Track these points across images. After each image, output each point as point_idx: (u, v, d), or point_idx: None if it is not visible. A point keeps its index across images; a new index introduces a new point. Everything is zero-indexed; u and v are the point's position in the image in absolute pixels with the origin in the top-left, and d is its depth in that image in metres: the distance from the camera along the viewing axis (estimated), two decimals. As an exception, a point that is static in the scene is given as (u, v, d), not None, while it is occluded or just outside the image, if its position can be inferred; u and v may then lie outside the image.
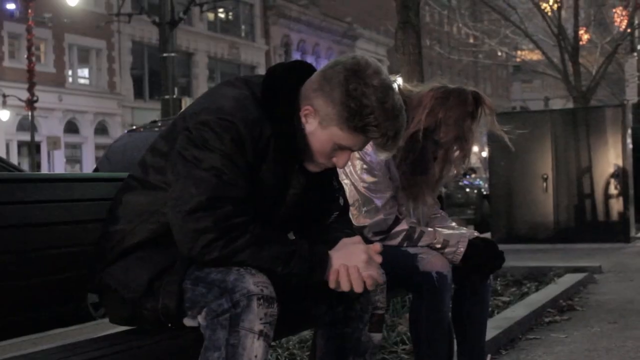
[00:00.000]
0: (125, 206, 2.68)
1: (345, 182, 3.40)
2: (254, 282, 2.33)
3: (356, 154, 3.31)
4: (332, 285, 2.45)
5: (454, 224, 3.74)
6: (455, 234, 3.48)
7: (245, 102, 2.55)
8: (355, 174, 3.43)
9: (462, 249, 3.41)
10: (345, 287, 2.44)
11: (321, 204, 2.83)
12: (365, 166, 3.41)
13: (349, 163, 3.39)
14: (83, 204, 3.20)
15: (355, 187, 3.42)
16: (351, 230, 2.84)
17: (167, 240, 2.50)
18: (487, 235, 12.14)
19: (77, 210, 3.14)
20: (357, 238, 2.60)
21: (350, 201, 3.36)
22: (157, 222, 2.58)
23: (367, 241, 2.76)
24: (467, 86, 3.69)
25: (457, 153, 3.51)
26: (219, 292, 2.36)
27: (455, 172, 3.65)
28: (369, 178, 3.41)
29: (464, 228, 3.76)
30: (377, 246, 2.55)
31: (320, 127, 2.54)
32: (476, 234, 3.61)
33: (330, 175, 2.85)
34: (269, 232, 2.49)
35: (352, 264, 2.44)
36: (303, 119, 2.57)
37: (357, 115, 2.47)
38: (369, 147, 3.38)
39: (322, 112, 2.52)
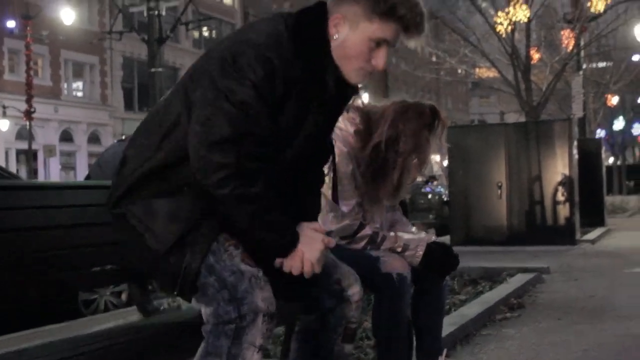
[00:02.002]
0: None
1: None
2: (262, 298, 2.29)
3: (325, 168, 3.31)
4: (286, 267, 2.41)
5: (414, 229, 3.75)
6: (415, 238, 3.49)
7: (281, 39, 2.41)
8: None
9: (421, 252, 3.42)
10: (296, 271, 2.40)
11: (320, 156, 2.76)
12: (331, 175, 3.40)
13: None
14: (74, 209, 3.19)
15: (324, 194, 3.41)
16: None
17: (195, 194, 2.37)
18: (447, 237, 12.23)
19: (68, 215, 3.13)
20: (318, 225, 2.54)
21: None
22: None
23: None
24: (425, 101, 3.70)
25: (415, 161, 3.52)
26: (229, 296, 2.29)
27: (413, 178, 3.66)
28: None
29: (423, 232, 3.78)
30: (332, 241, 2.52)
31: (351, 30, 2.42)
32: (434, 238, 3.63)
33: (331, 127, 2.78)
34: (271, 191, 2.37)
35: (310, 252, 2.40)
36: (334, 30, 2.44)
37: (381, 0, 2.39)
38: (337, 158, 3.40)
39: (349, 14, 2.42)
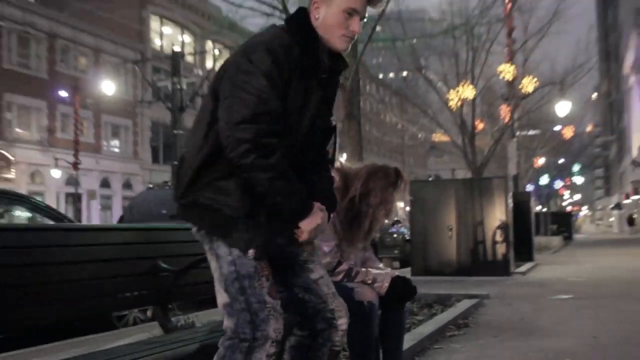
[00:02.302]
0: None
1: None
2: (274, 329, 2.35)
3: None
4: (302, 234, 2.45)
5: (381, 265, 3.77)
6: (382, 273, 3.52)
7: (281, 34, 2.47)
8: (309, 228, 3.45)
9: (386, 284, 3.46)
10: (304, 237, 2.45)
11: (324, 135, 2.69)
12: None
13: None
14: (111, 247, 3.21)
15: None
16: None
17: None
18: (408, 269, 12.21)
19: (106, 251, 3.15)
20: (319, 204, 2.50)
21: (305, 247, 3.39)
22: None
23: None
24: (390, 164, 3.76)
25: (382, 212, 3.56)
26: (249, 319, 2.34)
27: (380, 225, 3.70)
28: (319, 231, 3.44)
29: (389, 268, 3.80)
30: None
31: (328, 8, 2.46)
32: (397, 272, 3.65)
33: (331, 103, 2.72)
34: (285, 163, 2.38)
35: (309, 223, 2.42)
36: (315, 13, 2.49)
37: None
38: None
39: None
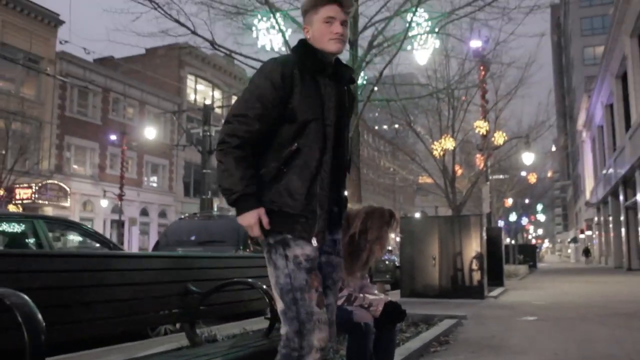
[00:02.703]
0: None
1: None
2: (318, 339, 2.28)
3: None
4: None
5: (376, 291, 3.72)
6: (376, 298, 3.48)
7: (286, 55, 2.52)
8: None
9: (380, 308, 3.41)
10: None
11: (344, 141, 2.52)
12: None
13: None
14: (148, 272, 3.17)
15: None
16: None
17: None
18: (398, 291, 12.08)
19: (144, 276, 3.11)
20: (259, 211, 2.32)
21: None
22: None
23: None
24: (384, 204, 3.74)
25: (377, 247, 3.52)
26: (297, 328, 2.29)
27: (376, 258, 3.65)
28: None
29: (382, 294, 3.74)
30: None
31: (312, 26, 2.46)
32: (389, 298, 3.60)
33: (349, 109, 2.60)
34: (245, 160, 2.30)
35: (245, 222, 2.31)
36: (307, 35, 2.49)
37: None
38: None
39: (307, 20, 2.48)
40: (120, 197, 32.98)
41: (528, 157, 22.81)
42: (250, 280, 3.45)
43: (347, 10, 2.49)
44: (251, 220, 2.30)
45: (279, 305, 2.36)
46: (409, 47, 8.68)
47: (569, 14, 69.30)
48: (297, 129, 2.35)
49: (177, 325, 7.09)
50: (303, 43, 2.51)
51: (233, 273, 3.89)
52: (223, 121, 2.42)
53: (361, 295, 3.46)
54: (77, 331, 2.62)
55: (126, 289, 2.95)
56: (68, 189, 33.05)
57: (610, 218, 35.07)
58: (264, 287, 3.34)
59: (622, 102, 27.22)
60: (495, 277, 14.51)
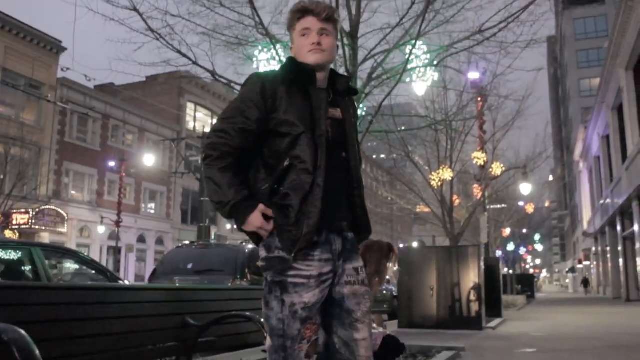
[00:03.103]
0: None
1: None
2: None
3: None
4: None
5: (374, 324, 3.70)
6: (376, 332, 3.46)
7: (271, 72, 2.43)
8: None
9: (379, 342, 3.40)
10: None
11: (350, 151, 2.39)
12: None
13: None
14: (144, 304, 3.15)
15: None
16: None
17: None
18: (395, 321, 11.99)
19: (140, 308, 3.09)
20: (263, 208, 2.24)
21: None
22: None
23: None
24: (383, 240, 3.75)
25: (376, 280, 3.52)
26: (281, 343, 2.21)
27: (375, 291, 3.64)
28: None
29: (381, 328, 3.72)
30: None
31: (294, 42, 2.43)
32: (388, 332, 3.58)
33: (349, 120, 2.44)
34: (229, 168, 2.24)
35: (248, 229, 2.24)
36: (293, 52, 2.44)
37: (288, 21, 2.45)
38: None
39: (291, 39, 2.47)
40: (118, 223, 32.90)
41: (526, 188, 22.89)
42: (248, 313, 3.43)
43: (324, 17, 2.42)
44: (256, 222, 2.21)
45: (267, 341, 2.27)
46: (407, 79, 8.77)
47: (565, 46, 70.20)
48: (287, 143, 2.26)
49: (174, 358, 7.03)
50: (288, 58, 2.47)
51: (231, 305, 3.87)
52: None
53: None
54: (74, 365, 2.60)
55: (124, 322, 2.93)
56: (65, 215, 32.97)
57: (608, 248, 35.01)
58: (262, 320, 3.32)
59: (619, 133, 27.41)
60: (494, 307, 14.41)
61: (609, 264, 35.23)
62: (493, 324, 12.73)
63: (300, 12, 2.42)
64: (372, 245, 3.54)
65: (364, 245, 3.50)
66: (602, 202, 34.52)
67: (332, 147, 2.30)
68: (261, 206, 2.22)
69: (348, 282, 2.33)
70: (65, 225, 33.05)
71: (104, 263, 33.53)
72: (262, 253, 2.30)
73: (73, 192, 35.31)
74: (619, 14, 22.61)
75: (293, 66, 2.39)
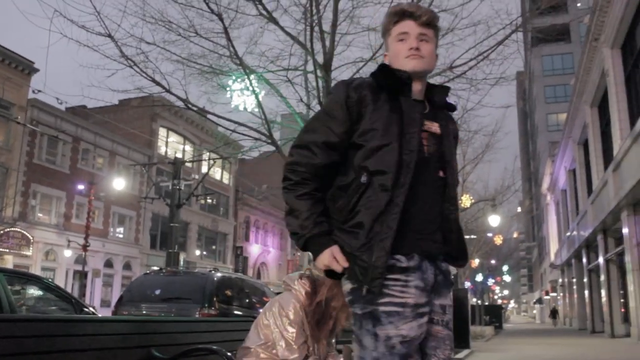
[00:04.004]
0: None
1: (274, 329, 3.38)
2: None
3: (284, 316, 3.32)
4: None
5: (341, 359, 3.71)
6: None
7: (360, 78, 2.19)
8: (282, 325, 3.41)
9: None
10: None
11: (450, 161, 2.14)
12: (288, 322, 3.40)
13: (279, 320, 3.38)
14: (109, 337, 3.11)
15: (281, 333, 3.39)
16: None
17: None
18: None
19: (105, 340, 3.05)
20: (333, 249, 2.03)
21: (277, 342, 3.34)
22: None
23: None
24: None
25: (343, 315, 3.53)
26: None
27: (342, 325, 3.65)
28: (290, 329, 3.40)
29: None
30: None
31: (388, 49, 2.23)
32: None
33: (446, 134, 2.18)
34: (309, 197, 2.03)
35: (321, 263, 2.05)
36: (386, 60, 2.21)
37: (384, 25, 2.26)
38: (291, 311, 3.40)
39: (385, 45, 2.27)
40: (85, 247, 32.27)
41: (494, 220, 23.22)
42: (214, 347, 3.41)
43: (423, 21, 2.19)
44: (325, 261, 2.01)
45: None
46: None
47: (533, 82, 72.03)
48: (369, 156, 2.02)
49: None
50: (380, 64, 2.23)
51: (197, 337, 3.84)
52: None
53: (326, 364, 3.46)
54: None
55: (89, 355, 2.89)
56: (31, 238, 32.30)
57: (574, 280, 35.52)
58: (228, 354, 3.30)
59: (584, 167, 28.08)
60: (462, 338, 14.45)
61: (575, 296, 35.72)
62: (461, 355, 12.75)
63: (397, 15, 2.21)
64: None
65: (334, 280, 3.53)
66: (568, 234, 35.13)
67: (426, 164, 2.06)
68: (335, 248, 2.01)
69: (430, 320, 2.04)
70: (31, 248, 32.36)
71: (69, 288, 32.81)
72: (347, 286, 2.07)
73: (40, 215, 34.64)
74: (584, 53, 23.35)
75: (386, 72, 2.15)
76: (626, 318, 21.31)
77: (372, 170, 1.99)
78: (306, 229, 2.01)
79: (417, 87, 2.16)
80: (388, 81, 2.11)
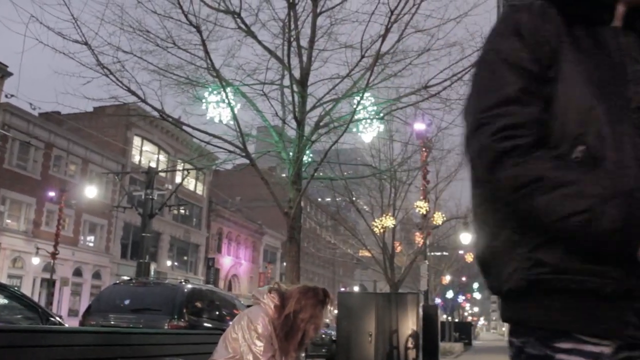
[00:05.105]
0: None
1: (242, 342, 3.40)
2: None
3: (252, 330, 3.34)
4: None
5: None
6: None
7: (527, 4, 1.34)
8: (250, 339, 3.42)
9: None
10: None
11: None
12: (256, 335, 3.42)
13: (248, 333, 3.40)
14: (76, 348, 3.09)
15: (249, 347, 3.41)
16: None
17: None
18: (333, 367, 11.96)
19: (72, 352, 3.03)
20: None
21: (245, 355, 3.36)
22: None
23: None
24: (319, 285, 3.82)
25: (311, 327, 3.57)
26: None
27: (311, 337, 3.68)
28: (259, 343, 3.41)
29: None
30: None
31: None
32: None
33: None
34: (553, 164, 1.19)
35: None
36: None
37: None
38: (259, 324, 3.41)
39: None
40: (54, 255, 31.69)
41: (466, 237, 23.46)
42: (181, 359, 3.41)
43: None
44: None
45: None
46: (354, 129, 9.01)
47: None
48: (567, 122, 1.24)
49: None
50: None
51: (165, 350, 3.83)
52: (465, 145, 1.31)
53: (294, 378, 3.48)
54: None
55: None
56: (-2, 244, 31.70)
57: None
58: (195, 366, 3.30)
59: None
60: (431, 354, 14.59)
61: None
62: (429, 371, 12.89)
63: None
64: (307, 291, 3.61)
65: (298, 292, 3.57)
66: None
67: None
68: None
69: None
70: (-3, 256, 31.74)
71: (36, 296, 32.16)
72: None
73: (8, 221, 33.97)
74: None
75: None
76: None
77: (591, 144, 1.23)
78: (609, 188, 1.14)
79: (621, 11, 1.35)
80: (581, 5, 1.33)
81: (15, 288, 9.36)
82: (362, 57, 8.58)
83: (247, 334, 3.42)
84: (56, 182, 35.83)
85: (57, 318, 8.75)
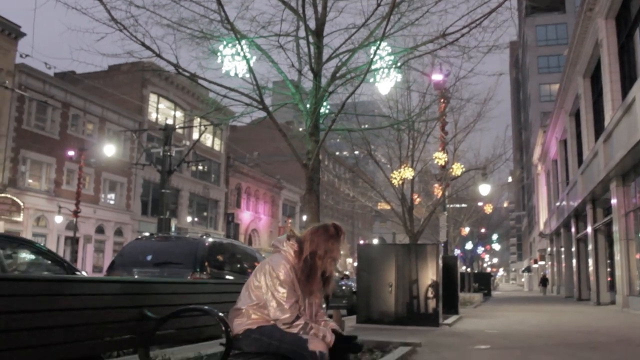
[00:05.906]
0: None
1: (265, 290, 3.47)
2: None
3: (275, 277, 3.40)
4: None
5: (327, 317, 3.79)
6: (326, 329, 3.55)
7: None
8: (273, 286, 3.48)
9: (333, 339, 3.49)
10: None
11: None
12: (279, 282, 3.47)
13: (270, 280, 3.45)
14: (104, 297, 3.17)
15: (272, 294, 3.46)
16: None
17: None
18: (354, 317, 12.13)
19: (100, 300, 3.11)
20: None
21: (269, 303, 3.42)
22: None
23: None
24: (328, 221, 3.86)
25: (328, 260, 3.62)
26: None
27: (330, 271, 3.71)
28: (281, 289, 3.47)
29: (331, 321, 3.79)
30: None
31: None
32: (336, 327, 3.68)
33: None
34: None
35: None
36: None
37: None
38: (281, 271, 3.46)
39: None
40: (76, 213, 32.27)
41: (485, 188, 23.35)
42: (206, 307, 3.47)
43: None
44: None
45: None
46: (371, 80, 8.88)
47: (526, 52, 71.66)
48: None
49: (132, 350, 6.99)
50: None
51: (189, 299, 3.91)
52: None
53: (316, 325, 3.53)
54: (28, 357, 2.61)
55: (81, 314, 2.94)
56: (21, 204, 32.25)
57: (563, 249, 35.98)
58: (220, 314, 3.36)
59: (575, 138, 28.19)
60: (451, 304, 14.72)
61: (563, 264, 36.22)
62: (449, 320, 13.00)
63: None
64: (317, 229, 3.66)
65: (309, 233, 3.62)
66: (558, 204, 35.45)
67: None
68: None
69: None
70: (21, 214, 32.34)
71: (60, 254, 32.89)
72: None
73: (30, 181, 34.53)
74: (578, 24, 23.21)
75: None
76: (612, 286, 21.68)
77: None
78: None
79: None
80: None
81: (42, 244, 9.59)
82: (378, 5, 8.38)
83: (269, 281, 3.48)
84: (75, 142, 36.19)
85: (83, 272, 8.97)
